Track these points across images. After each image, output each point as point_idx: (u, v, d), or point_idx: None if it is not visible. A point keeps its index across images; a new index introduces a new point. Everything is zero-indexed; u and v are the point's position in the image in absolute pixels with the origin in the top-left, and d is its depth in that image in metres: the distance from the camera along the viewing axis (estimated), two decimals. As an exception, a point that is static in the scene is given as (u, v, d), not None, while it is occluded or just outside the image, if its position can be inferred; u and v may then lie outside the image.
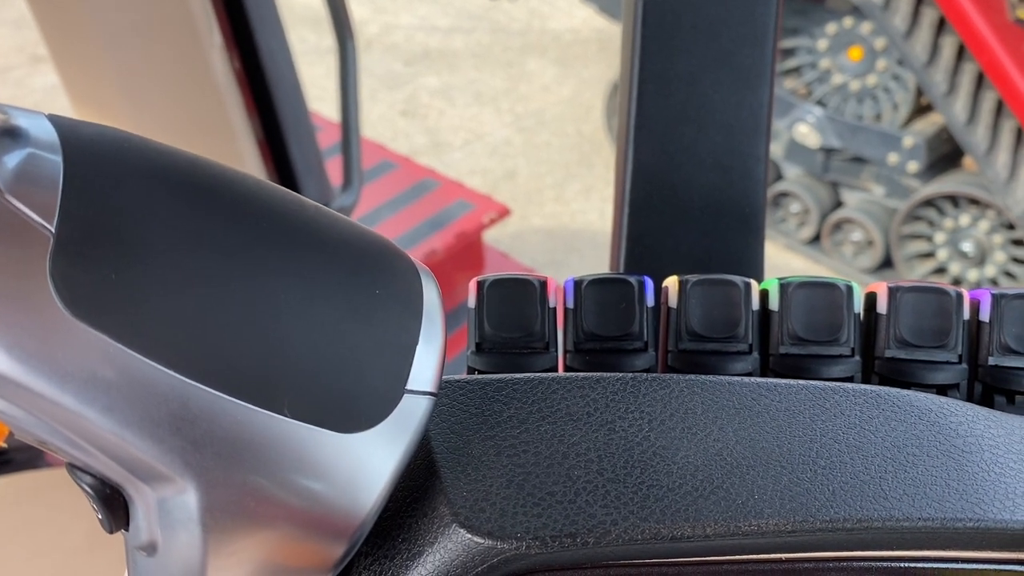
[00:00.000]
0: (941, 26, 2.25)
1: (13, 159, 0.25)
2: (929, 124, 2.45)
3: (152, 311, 0.25)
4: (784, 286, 0.34)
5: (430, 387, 0.29)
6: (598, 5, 2.95)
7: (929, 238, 2.47)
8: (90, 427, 0.24)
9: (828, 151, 2.59)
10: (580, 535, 0.28)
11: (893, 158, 2.45)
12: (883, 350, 0.34)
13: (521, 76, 3.64)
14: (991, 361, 0.34)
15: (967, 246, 2.40)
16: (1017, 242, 2.34)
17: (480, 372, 0.34)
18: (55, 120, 0.26)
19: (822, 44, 2.53)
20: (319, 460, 0.26)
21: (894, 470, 0.30)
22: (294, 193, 0.29)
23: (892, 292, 0.34)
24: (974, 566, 0.29)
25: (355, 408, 0.27)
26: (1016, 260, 2.36)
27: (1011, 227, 2.33)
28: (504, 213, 2.21)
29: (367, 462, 0.27)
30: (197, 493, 0.26)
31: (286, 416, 0.26)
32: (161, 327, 0.25)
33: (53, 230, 0.24)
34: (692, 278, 0.34)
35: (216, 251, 0.26)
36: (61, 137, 0.26)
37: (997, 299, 0.34)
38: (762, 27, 0.46)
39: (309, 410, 0.26)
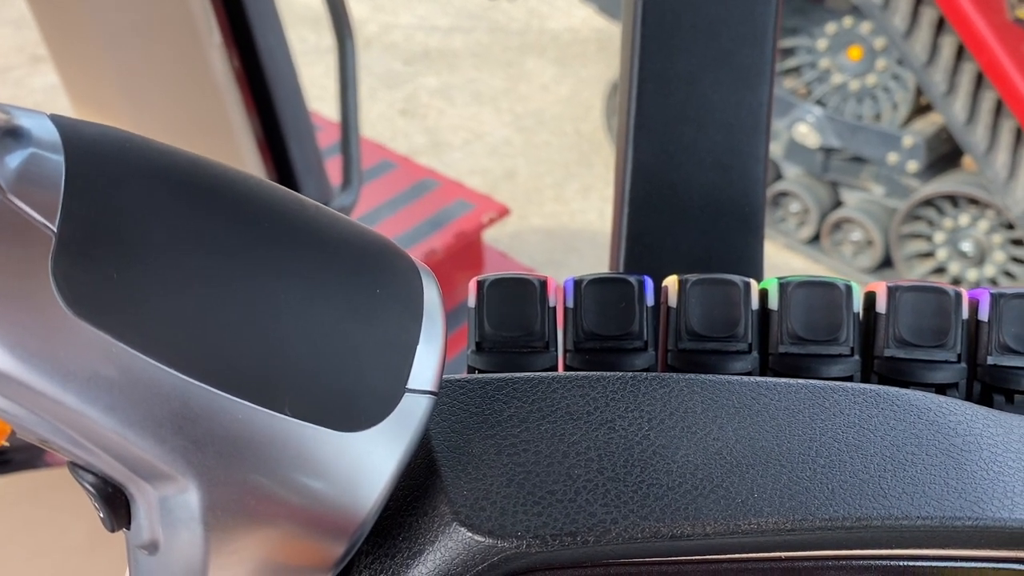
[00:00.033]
0: (940, 26, 2.25)
1: (15, 159, 0.25)
2: (928, 124, 2.45)
3: (154, 310, 0.25)
4: (783, 286, 0.34)
5: (431, 386, 0.29)
6: (597, 5, 2.95)
7: (928, 238, 2.47)
8: (92, 426, 0.25)
9: (828, 151, 2.59)
10: (580, 534, 0.28)
11: (893, 158, 2.45)
12: (882, 349, 0.34)
13: (520, 76, 3.64)
14: (990, 360, 0.34)
15: (966, 246, 2.41)
16: (1016, 242, 2.34)
17: (480, 371, 0.34)
18: (57, 120, 0.26)
19: (822, 44, 2.53)
20: (320, 459, 0.27)
21: (893, 469, 0.30)
22: (294, 193, 0.30)
23: (891, 292, 0.34)
24: (973, 564, 0.30)
25: (356, 407, 0.27)
26: (1015, 260, 2.36)
27: (1010, 227, 2.33)
28: (503, 213, 2.21)
29: (368, 461, 0.27)
30: (199, 492, 0.26)
31: (287, 415, 0.26)
32: (163, 326, 0.25)
33: (55, 229, 0.24)
34: (692, 277, 0.35)
35: (217, 250, 0.26)
36: (63, 137, 0.26)
37: (996, 299, 0.34)
38: (762, 27, 0.46)
39: (310, 409, 0.26)
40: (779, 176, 2.72)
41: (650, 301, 0.35)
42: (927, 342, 0.34)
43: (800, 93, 2.61)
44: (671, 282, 0.35)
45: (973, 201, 2.37)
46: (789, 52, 2.58)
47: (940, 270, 2.47)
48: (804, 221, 2.68)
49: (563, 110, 3.42)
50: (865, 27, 2.44)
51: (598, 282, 0.35)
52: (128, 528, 0.28)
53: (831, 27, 2.50)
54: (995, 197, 2.29)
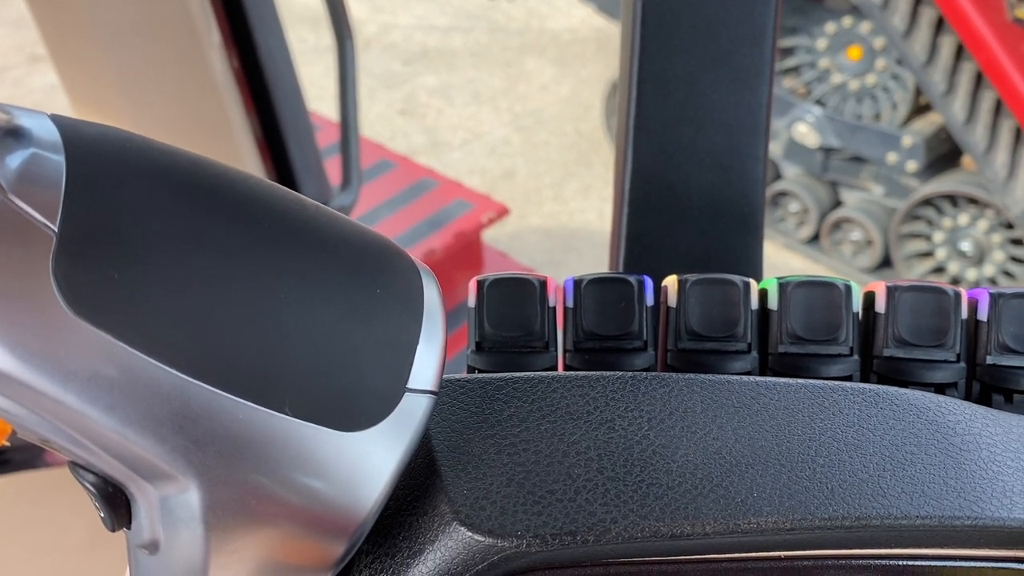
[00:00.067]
0: (940, 25, 2.25)
1: (16, 159, 0.25)
2: (928, 123, 2.45)
3: (154, 310, 0.25)
4: (783, 285, 0.35)
5: (431, 386, 0.29)
6: (596, 4, 2.95)
7: (928, 237, 2.47)
8: (93, 426, 0.25)
9: (827, 150, 2.59)
10: (580, 533, 0.28)
11: (892, 157, 2.46)
12: (881, 349, 0.34)
13: (520, 75, 3.64)
14: (989, 360, 0.34)
15: (966, 245, 2.41)
16: (1015, 241, 2.35)
17: (480, 371, 0.34)
18: (57, 120, 0.26)
19: (821, 43, 2.53)
20: (320, 458, 0.27)
21: (892, 468, 0.30)
22: (294, 192, 0.30)
23: (890, 291, 0.34)
24: (972, 564, 0.30)
25: (356, 407, 0.27)
26: (1014, 259, 2.37)
27: (1010, 226, 2.33)
28: (503, 212, 2.21)
29: (368, 460, 0.27)
30: (199, 491, 0.26)
31: (287, 415, 0.26)
32: (163, 326, 0.25)
33: (56, 229, 0.24)
34: (691, 277, 0.35)
35: (217, 250, 0.26)
36: (63, 137, 0.26)
37: (995, 298, 0.34)
38: (761, 27, 0.46)
39: (310, 409, 0.26)
40: (778, 176, 2.72)
41: (650, 301, 0.35)
42: (926, 342, 0.34)
43: (799, 93, 2.61)
44: (671, 282, 0.35)
45: (972, 201, 2.37)
46: (788, 52, 2.59)
47: (939, 270, 2.47)
48: (803, 221, 2.68)
49: (562, 110, 3.42)
50: (864, 27, 2.44)
51: (598, 282, 0.35)
52: (128, 528, 0.28)
53: (830, 27, 2.50)
54: (994, 197, 2.29)
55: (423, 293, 0.30)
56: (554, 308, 0.35)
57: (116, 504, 0.27)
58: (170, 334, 0.25)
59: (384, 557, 0.29)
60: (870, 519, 0.29)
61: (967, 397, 0.35)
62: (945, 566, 0.29)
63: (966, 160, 2.43)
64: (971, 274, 2.42)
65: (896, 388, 0.32)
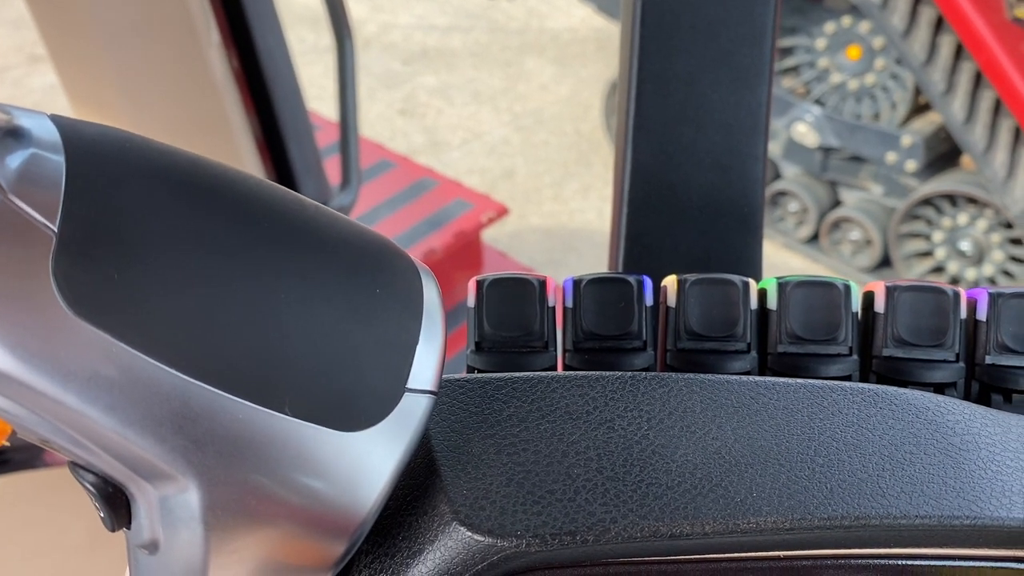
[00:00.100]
0: (939, 25, 2.25)
1: (16, 159, 0.25)
2: (927, 123, 2.45)
3: (154, 310, 0.25)
4: (782, 285, 0.35)
5: (430, 386, 0.29)
6: (596, 4, 2.95)
7: (927, 237, 2.47)
8: (93, 426, 0.25)
9: (826, 150, 2.59)
10: (580, 533, 0.28)
11: (891, 157, 2.46)
12: (881, 349, 0.34)
13: (519, 75, 3.64)
14: (988, 360, 0.34)
15: (965, 245, 2.41)
16: (1015, 241, 2.35)
17: (480, 371, 0.34)
18: (57, 120, 0.26)
19: (820, 43, 2.53)
20: (320, 458, 0.27)
21: (891, 468, 0.30)
22: (294, 192, 0.30)
23: (890, 291, 0.34)
24: (971, 563, 0.30)
25: (356, 407, 0.27)
26: (1014, 259, 2.37)
27: (1009, 226, 2.33)
28: (502, 212, 2.21)
29: (368, 460, 0.27)
30: (199, 491, 0.26)
31: (287, 415, 0.26)
32: (163, 326, 0.25)
33: (56, 230, 0.24)
34: (691, 277, 0.35)
35: (217, 250, 0.26)
36: (63, 137, 0.26)
37: (994, 298, 0.34)
38: (760, 26, 0.46)
39: (310, 409, 0.27)
40: (778, 175, 2.72)
41: (649, 301, 0.35)
42: (925, 341, 0.34)
43: (799, 92, 2.61)
44: (670, 282, 0.35)
45: (972, 200, 2.38)
46: (788, 51, 2.59)
47: (939, 269, 2.48)
48: (803, 220, 2.68)
49: (562, 110, 3.42)
50: (864, 26, 2.44)
51: (597, 282, 0.35)
52: (128, 528, 0.28)
53: (830, 26, 2.50)
54: (994, 196, 2.29)
55: (423, 293, 0.30)
56: (553, 308, 0.35)
57: (116, 504, 0.27)
58: (170, 334, 0.25)
59: (384, 557, 0.29)
60: (869, 519, 0.29)
61: (966, 397, 0.35)
62: (944, 566, 0.29)
63: (965, 160, 2.43)
64: (970, 274, 2.43)
65: (895, 388, 0.32)
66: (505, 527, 0.28)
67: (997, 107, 2.25)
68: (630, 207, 0.47)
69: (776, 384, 0.32)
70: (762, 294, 0.35)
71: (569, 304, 0.35)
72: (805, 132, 2.57)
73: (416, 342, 0.29)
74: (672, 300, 0.35)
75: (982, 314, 0.34)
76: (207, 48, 1.29)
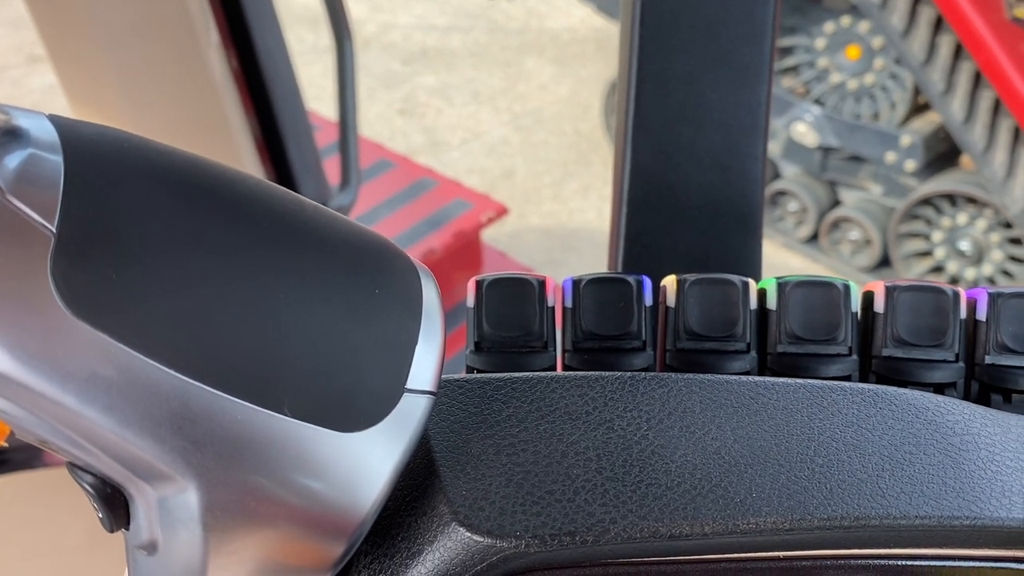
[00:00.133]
0: (938, 25, 2.26)
1: (14, 159, 0.25)
2: (926, 123, 2.45)
3: (153, 310, 0.25)
4: (782, 285, 0.35)
5: (429, 386, 0.29)
6: (596, 4, 2.95)
7: (927, 237, 2.47)
8: (91, 426, 0.25)
9: (826, 150, 2.59)
10: (579, 533, 0.28)
11: (891, 157, 2.46)
12: (880, 349, 0.34)
13: (519, 75, 3.64)
14: (988, 360, 0.34)
15: (964, 245, 2.41)
16: (1014, 241, 2.35)
17: (479, 371, 0.34)
18: (55, 120, 0.26)
19: (820, 43, 2.53)
20: (319, 459, 0.27)
21: (891, 468, 0.30)
22: (293, 193, 0.30)
23: (889, 291, 0.34)
24: (971, 564, 0.30)
25: (355, 407, 0.27)
26: (1013, 259, 2.37)
27: (1008, 226, 2.33)
28: (502, 212, 2.21)
29: (367, 461, 0.27)
30: (198, 492, 0.26)
31: (286, 415, 0.26)
32: (162, 326, 0.25)
33: (54, 230, 0.24)
34: (690, 277, 0.35)
35: (216, 251, 0.26)
36: (62, 137, 0.26)
37: (994, 298, 0.34)
38: (760, 26, 0.46)
39: (309, 409, 0.26)
40: (777, 175, 2.72)
41: (648, 301, 0.35)
42: (925, 341, 0.34)
43: (798, 92, 2.61)
44: (669, 282, 0.35)
45: (971, 200, 2.38)
46: (787, 51, 2.59)
47: (938, 269, 2.48)
48: (802, 220, 2.68)
49: (561, 109, 3.42)
50: (863, 26, 2.44)
51: (597, 282, 0.35)
52: (127, 528, 0.28)
53: (829, 26, 2.50)
54: (993, 196, 2.29)
55: (422, 293, 0.30)
56: (553, 308, 0.35)
57: (114, 505, 0.27)
58: (169, 335, 0.25)
59: (383, 558, 0.29)
60: (869, 519, 0.29)
61: (966, 397, 0.35)
62: (944, 566, 0.29)
63: (965, 159, 2.43)
64: (970, 273, 2.43)
65: (895, 388, 0.32)
66: (504, 528, 0.28)
67: (996, 107, 2.25)
68: (629, 207, 0.47)
69: (776, 384, 0.32)
70: (761, 294, 0.35)
71: (568, 304, 0.35)
72: (804, 132, 2.57)
73: (415, 342, 0.29)
74: (671, 300, 0.35)
75: (982, 314, 0.34)
76: (206, 48, 1.29)
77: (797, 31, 2.56)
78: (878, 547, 0.29)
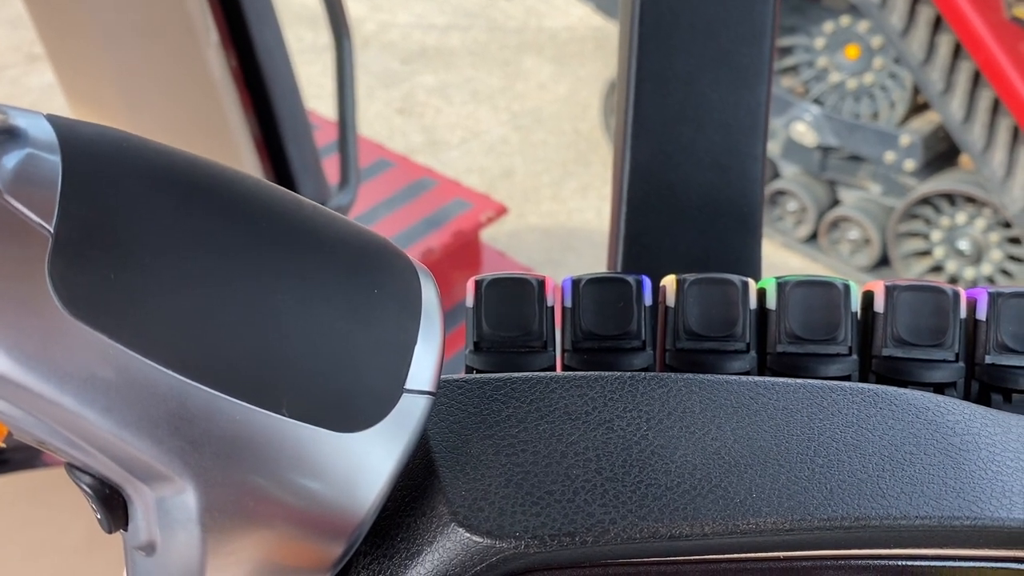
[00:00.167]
0: (937, 24, 2.26)
1: (12, 159, 0.25)
2: (926, 122, 2.45)
3: (151, 311, 0.25)
4: (781, 285, 0.34)
5: (429, 386, 0.29)
6: (595, 3, 2.95)
7: (926, 236, 2.47)
8: (89, 427, 0.24)
9: (825, 149, 2.59)
10: (579, 534, 0.28)
11: (890, 156, 2.46)
12: (880, 349, 0.34)
13: (518, 74, 3.64)
14: (988, 359, 0.34)
15: (964, 244, 2.41)
16: (1013, 240, 2.35)
17: (478, 371, 0.34)
18: (53, 120, 0.26)
19: (819, 42, 2.53)
20: (318, 459, 0.26)
21: (891, 468, 0.30)
22: (292, 192, 0.29)
23: (889, 291, 0.34)
24: (971, 564, 0.30)
25: (354, 407, 0.27)
26: (1012, 258, 2.37)
27: (1007, 225, 2.33)
28: (501, 212, 2.21)
29: (366, 461, 0.27)
30: (196, 493, 0.26)
31: (285, 416, 0.26)
32: (160, 327, 0.25)
33: (52, 230, 0.24)
34: (690, 277, 0.35)
35: (215, 251, 0.26)
36: (60, 137, 0.26)
37: (994, 297, 0.34)
38: (760, 26, 0.46)
39: (308, 409, 0.26)
40: (777, 175, 2.72)
41: (648, 301, 0.35)
42: (925, 341, 0.34)
43: (798, 92, 2.61)
44: (669, 282, 0.35)
45: (970, 199, 2.38)
46: (787, 51, 2.59)
47: (937, 268, 2.48)
48: (802, 220, 2.69)
49: (561, 109, 3.42)
50: (862, 26, 2.44)
51: (596, 282, 0.35)
52: (125, 529, 0.28)
53: (828, 26, 2.50)
54: (992, 195, 2.29)
55: (421, 293, 0.30)
56: (552, 308, 0.35)
57: (113, 506, 0.27)
58: (167, 335, 0.25)
59: (382, 558, 0.29)
60: (869, 519, 0.29)
61: (966, 397, 0.35)
62: (944, 566, 0.29)
63: (964, 159, 2.43)
64: (969, 273, 2.43)
65: (895, 388, 0.32)
66: (504, 528, 0.28)
67: (995, 106, 2.25)
68: (629, 207, 0.47)
69: (775, 384, 0.32)
70: (761, 294, 0.35)
71: (568, 304, 0.35)
72: (804, 131, 2.57)
73: (414, 342, 0.29)
74: (671, 300, 0.35)
75: (982, 314, 0.34)
76: (205, 48, 1.28)
77: (796, 31, 2.56)
78: (878, 547, 0.29)
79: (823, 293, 0.34)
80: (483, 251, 2.22)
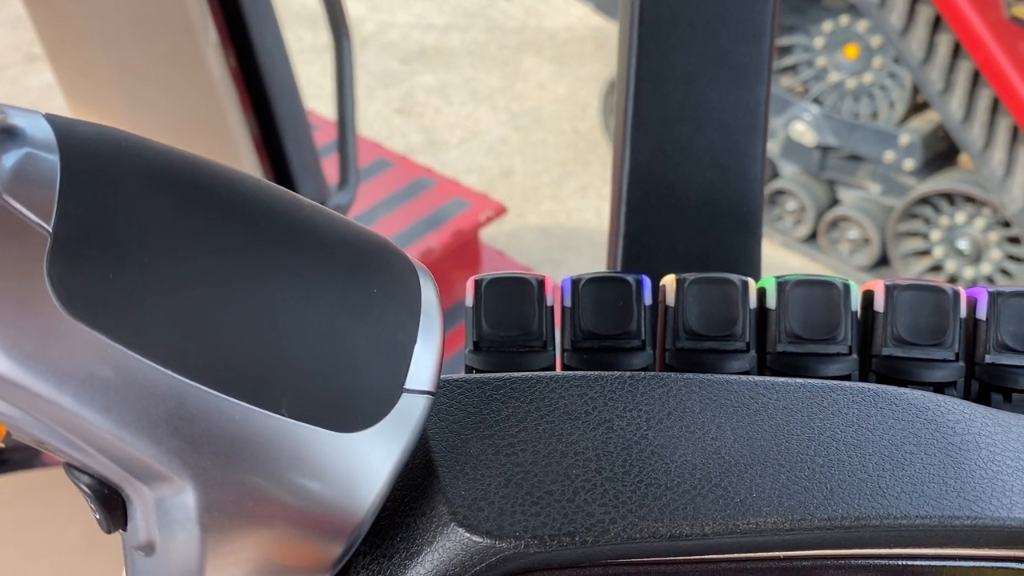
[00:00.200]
0: (937, 24, 2.26)
1: (10, 159, 0.25)
2: (925, 122, 2.45)
3: (150, 311, 0.25)
4: (781, 284, 0.34)
5: (428, 386, 0.29)
6: (594, 3, 2.95)
7: (925, 236, 2.47)
8: (88, 427, 0.24)
9: (824, 149, 2.59)
10: (578, 534, 0.28)
11: (889, 156, 2.46)
12: (880, 348, 0.34)
13: (517, 74, 3.64)
14: (988, 359, 0.34)
15: (963, 244, 2.41)
16: (1012, 239, 2.35)
17: (478, 371, 0.34)
18: (52, 119, 0.26)
19: (818, 42, 2.53)
20: (317, 459, 0.26)
21: (892, 468, 0.30)
22: (291, 192, 0.29)
23: (889, 290, 0.34)
24: (971, 563, 0.30)
25: (353, 407, 0.27)
26: (1011, 257, 2.37)
27: (1007, 225, 2.33)
28: (500, 211, 2.21)
29: (365, 461, 0.27)
30: (195, 493, 0.26)
31: (284, 415, 0.26)
32: (159, 327, 0.25)
33: (50, 230, 0.24)
34: (689, 276, 0.35)
35: (214, 250, 0.26)
36: (58, 136, 0.26)
37: (994, 297, 0.34)
38: (759, 25, 0.46)
39: (307, 409, 0.26)
40: (776, 174, 2.72)
41: (648, 300, 0.35)
42: (925, 341, 0.34)
43: (797, 91, 2.61)
44: (669, 281, 0.35)
45: (969, 199, 2.38)
46: (786, 50, 2.59)
47: (937, 268, 2.48)
48: (801, 219, 2.69)
49: (560, 109, 3.42)
50: (862, 25, 2.44)
51: (596, 281, 0.35)
52: (124, 529, 0.28)
53: (828, 25, 2.50)
54: (991, 195, 2.29)
55: (420, 292, 0.30)
56: (552, 307, 0.35)
57: (112, 506, 0.27)
58: (166, 335, 0.25)
59: (382, 558, 0.29)
60: (869, 519, 0.29)
61: (966, 396, 0.35)
62: (944, 566, 0.29)
63: (963, 158, 2.43)
64: (968, 272, 2.43)
65: (895, 387, 0.32)
66: (503, 528, 0.28)
67: (995, 106, 2.25)
68: (628, 206, 0.47)
69: (775, 384, 0.32)
70: (761, 293, 0.35)
71: (568, 303, 0.35)
72: (803, 131, 2.57)
73: (414, 342, 0.29)
74: (671, 299, 0.35)
75: (982, 313, 0.34)
76: (205, 47, 1.28)
77: (796, 30, 2.56)
78: (878, 547, 0.29)
79: (823, 292, 0.34)
80: (482, 251, 2.22)
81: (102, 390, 0.24)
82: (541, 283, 0.35)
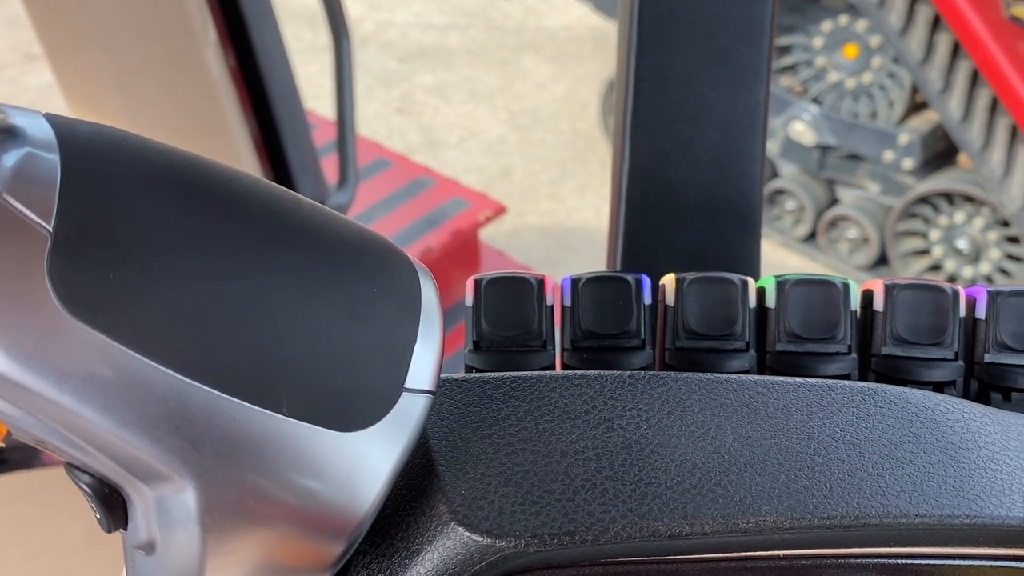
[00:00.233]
0: (936, 24, 2.26)
1: (11, 158, 0.25)
2: (924, 121, 2.45)
3: (150, 310, 0.25)
4: (781, 284, 0.34)
5: (428, 385, 0.29)
6: (593, 3, 2.95)
7: (924, 235, 2.48)
8: (88, 426, 0.24)
9: (824, 148, 2.60)
10: (578, 533, 0.28)
11: (888, 155, 2.46)
12: (880, 347, 0.34)
13: (516, 74, 3.64)
14: (987, 358, 0.34)
15: (962, 243, 2.41)
16: (1012, 239, 2.35)
17: (478, 370, 0.34)
18: (52, 119, 0.26)
19: (818, 42, 2.53)
20: (317, 459, 0.26)
21: (891, 467, 0.30)
22: (291, 191, 0.29)
23: (889, 290, 0.34)
24: (971, 562, 0.30)
25: (353, 407, 0.27)
26: (1010, 257, 2.37)
27: (1006, 224, 2.34)
28: (500, 211, 2.21)
29: (365, 461, 0.27)
30: (196, 492, 0.26)
31: (284, 415, 0.26)
32: (159, 326, 0.25)
33: (51, 229, 0.24)
34: (689, 276, 0.35)
35: (214, 250, 0.26)
36: (58, 136, 0.26)
37: (993, 296, 0.34)
38: (758, 25, 0.46)
39: (307, 409, 0.26)
40: (775, 174, 2.72)
41: (647, 299, 0.35)
42: (925, 340, 0.34)
43: (796, 91, 2.61)
44: (668, 280, 0.35)
45: (968, 198, 2.38)
46: (785, 50, 2.59)
47: (936, 267, 2.48)
48: (800, 219, 2.69)
49: (559, 108, 3.42)
50: (861, 25, 2.44)
51: (595, 280, 0.35)
52: (125, 529, 0.28)
53: (827, 25, 2.51)
54: (990, 194, 2.29)
55: (420, 292, 0.30)
56: (552, 307, 0.35)
57: (112, 505, 0.27)
58: (166, 334, 0.25)
59: (382, 557, 0.29)
60: (869, 518, 0.29)
61: (965, 395, 0.35)
62: (944, 565, 0.29)
63: (962, 158, 2.43)
64: (967, 272, 2.43)
65: (894, 387, 0.32)
66: (503, 527, 0.28)
67: (994, 105, 2.25)
68: (628, 205, 0.47)
69: (775, 383, 0.32)
70: (760, 293, 0.35)
71: (567, 303, 0.35)
72: (802, 130, 2.57)
73: (414, 341, 0.29)
74: (671, 299, 0.35)
75: (981, 312, 0.34)
76: (204, 47, 1.28)
77: (795, 30, 2.56)
78: (878, 546, 0.29)
79: (822, 292, 0.34)
80: (482, 250, 2.22)
81: (102, 389, 0.24)
82: (541, 282, 0.35)
